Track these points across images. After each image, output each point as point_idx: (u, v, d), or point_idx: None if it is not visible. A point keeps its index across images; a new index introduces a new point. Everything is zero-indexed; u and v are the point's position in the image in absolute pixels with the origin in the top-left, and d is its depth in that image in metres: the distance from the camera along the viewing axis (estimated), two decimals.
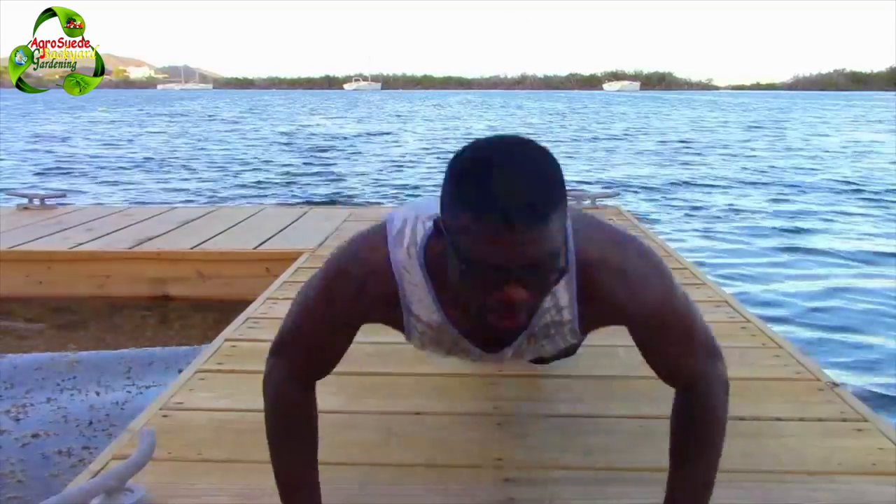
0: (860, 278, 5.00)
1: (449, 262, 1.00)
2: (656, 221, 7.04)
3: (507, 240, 0.92)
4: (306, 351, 1.23)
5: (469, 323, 1.19)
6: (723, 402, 1.20)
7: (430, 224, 1.14)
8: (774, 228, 6.81)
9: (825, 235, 6.52)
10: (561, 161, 1.00)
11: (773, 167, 11.93)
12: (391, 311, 1.21)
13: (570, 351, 1.79)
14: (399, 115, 30.08)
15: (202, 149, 14.88)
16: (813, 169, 11.75)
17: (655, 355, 1.21)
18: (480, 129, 22.57)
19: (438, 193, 1.03)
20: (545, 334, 1.22)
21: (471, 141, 1.02)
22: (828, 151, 14.88)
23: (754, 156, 13.92)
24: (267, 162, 12.62)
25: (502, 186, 0.92)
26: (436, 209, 1.08)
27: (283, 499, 1.25)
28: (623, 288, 1.13)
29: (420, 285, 1.16)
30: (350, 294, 1.17)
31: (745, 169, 11.70)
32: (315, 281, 1.23)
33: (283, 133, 19.22)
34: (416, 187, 9.88)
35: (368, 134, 19.99)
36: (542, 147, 1.00)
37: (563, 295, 1.15)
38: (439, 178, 1.09)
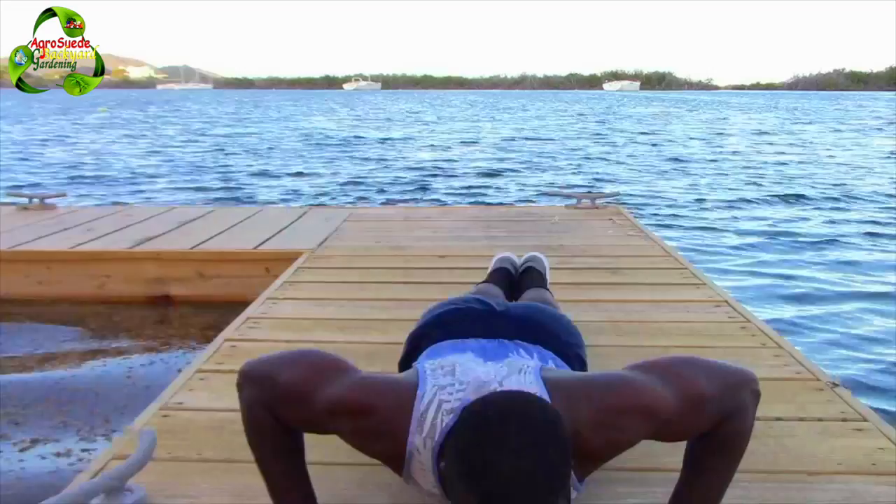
0: (860, 278, 5.01)
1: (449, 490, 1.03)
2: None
3: None
4: (284, 408, 1.22)
5: None
6: (751, 422, 1.21)
7: (448, 420, 1.14)
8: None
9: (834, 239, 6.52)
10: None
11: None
12: (389, 462, 1.23)
13: None
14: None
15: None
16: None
17: (679, 439, 1.23)
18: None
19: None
20: None
21: (485, 400, 1.04)
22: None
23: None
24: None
25: (504, 476, 0.92)
26: (461, 387, 1.13)
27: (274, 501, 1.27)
28: (617, 441, 1.16)
29: (427, 466, 1.18)
30: (358, 429, 1.19)
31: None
32: (336, 384, 1.20)
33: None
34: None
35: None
36: (553, 416, 1.01)
37: None
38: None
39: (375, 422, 1.18)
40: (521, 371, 1.20)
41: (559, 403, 1.13)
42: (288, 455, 1.28)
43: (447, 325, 1.52)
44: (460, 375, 1.20)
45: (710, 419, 1.17)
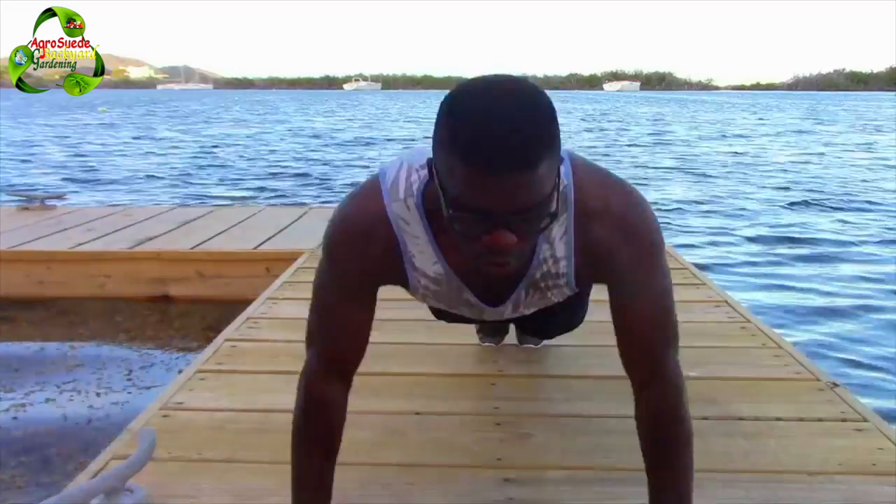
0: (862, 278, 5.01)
1: (442, 209, 0.99)
2: None
3: (492, 185, 0.90)
4: (328, 331, 1.22)
5: (470, 271, 1.18)
6: (683, 401, 1.18)
7: (424, 172, 1.12)
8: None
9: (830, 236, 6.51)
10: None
11: None
12: (395, 267, 1.20)
13: (572, 322, 1.78)
14: None
15: None
16: None
17: (629, 321, 1.18)
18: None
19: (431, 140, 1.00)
20: (542, 286, 1.22)
21: (464, 80, 1.00)
22: None
23: None
24: None
25: (490, 130, 0.89)
26: (427, 156, 1.06)
27: (293, 494, 1.24)
28: (621, 242, 1.12)
29: (420, 236, 1.15)
30: (353, 253, 1.16)
31: None
32: (321, 255, 1.22)
33: None
34: None
35: None
36: (536, 87, 0.96)
37: (559, 246, 1.15)
38: None
39: (355, 225, 1.16)
40: None
41: (575, 166, 1.12)
42: (328, 448, 1.24)
43: None
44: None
45: (658, 326, 1.16)
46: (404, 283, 1.24)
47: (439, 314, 1.75)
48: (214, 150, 15.17)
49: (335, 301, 1.21)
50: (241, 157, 13.78)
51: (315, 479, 1.24)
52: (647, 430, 1.19)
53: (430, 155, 1.02)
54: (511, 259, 0.99)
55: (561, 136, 0.96)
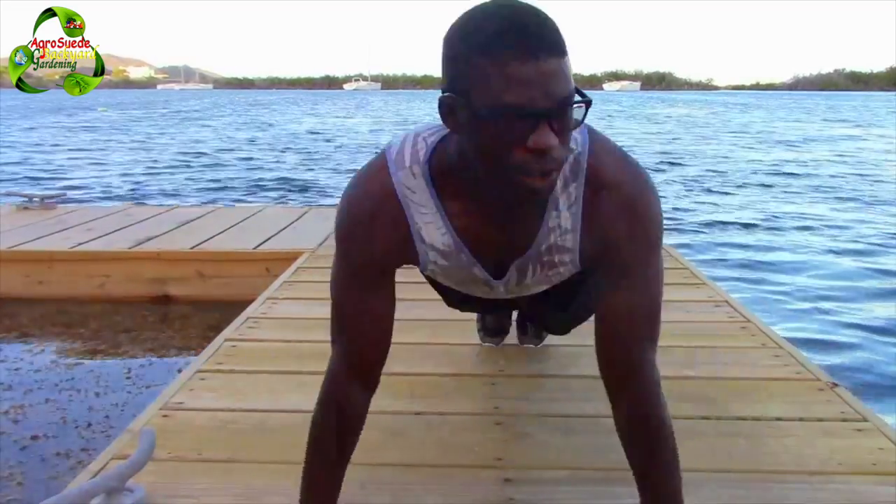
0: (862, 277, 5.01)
1: (467, 140, 0.97)
2: None
3: (530, 73, 0.88)
4: (345, 325, 1.21)
5: (479, 241, 1.16)
6: (663, 401, 1.16)
7: (431, 139, 1.12)
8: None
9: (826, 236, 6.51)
10: None
11: None
12: (405, 244, 1.18)
13: (579, 313, 1.66)
14: None
15: None
16: None
17: (618, 312, 1.14)
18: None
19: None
20: (549, 261, 1.20)
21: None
22: None
23: None
24: None
25: (519, 20, 0.90)
26: (434, 129, 1.05)
27: (302, 492, 1.23)
28: (626, 222, 1.11)
29: (426, 205, 1.14)
30: (362, 238, 1.15)
31: None
32: (335, 246, 1.21)
33: None
34: None
35: None
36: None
37: (566, 216, 1.13)
38: None
39: (364, 204, 1.14)
40: None
41: (592, 149, 1.10)
42: (343, 450, 1.24)
43: None
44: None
45: (643, 317, 1.14)
46: (415, 259, 1.22)
47: (450, 300, 1.73)
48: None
49: (349, 291, 1.19)
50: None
51: (322, 481, 1.23)
52: (633, 435, 1.18)
53: (437, 130, 1.02)
54: (554, 165, 0.96)
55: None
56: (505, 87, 0.89)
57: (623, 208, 1.11)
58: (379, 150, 1.21)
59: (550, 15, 0.94)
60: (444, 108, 0.98)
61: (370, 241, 1.15)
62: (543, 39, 0.90)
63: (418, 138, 1.14)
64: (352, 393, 1.22)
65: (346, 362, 1.21)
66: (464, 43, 0.93)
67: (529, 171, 0.95)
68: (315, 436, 1.22)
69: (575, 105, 0.94)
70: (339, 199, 1.21)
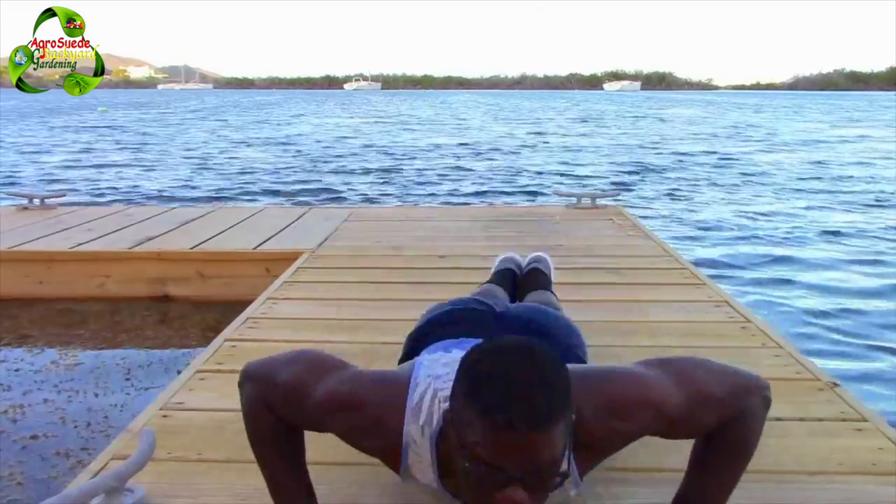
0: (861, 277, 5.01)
1: (456, 453, 1.02)
2: None
3: (509, 443, 0.93)
4: (282, 402, 1.23)
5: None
6: (760, 427, 1.20)
7: (445, 406, 1.14)
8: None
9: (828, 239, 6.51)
10: None
11: None
12: (386, 459, 1.23)
13: None
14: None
15: None
16: None
17: (683, 437, 1.22)
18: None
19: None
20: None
21: (485, 341, 1.05)
22: None
23: None
24: None
25: (509, 391, 0.94)
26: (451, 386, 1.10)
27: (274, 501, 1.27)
28: (621, 433, 1.16)
29: (425, 461, 1.18)
30: (352, 425, 1.19)
31: None
32: (329, 381, 1.21)
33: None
34: None
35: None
36: (551, 353, 1.01)
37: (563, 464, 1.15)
38: None
39: (368, 416, 1.18)
40: None
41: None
42: (289, 455, 1.28)
43: (447, 326, 1.52)
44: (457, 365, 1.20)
45: (716, 421, 1.17)
46: (391, 466, 1.25)
47: None
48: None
49: (306, 405, 1.20)
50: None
51: (288, 480, 1.28)
52: (714, 444, 1.21)
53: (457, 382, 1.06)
54: None
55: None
56: (490, 446, 0.95)
57: (614, 437, 1.16)
58: (404, 373, 1.24)
59: (555, 376, 0.98)
60: (446, 416, 1.07)
61: (357, 436, 1.20)
62: (535, 415, 0.93)
63: (437, 399, 1.17)
64: (272, 415, 1.25)
65: (267, 406, 1.24)
66: (468, 387, 0.98)
67: None
68: (260, 451, 1.28)
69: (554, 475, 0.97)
70: (348, 390, 1.21)
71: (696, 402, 1.15)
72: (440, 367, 1.22)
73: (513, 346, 1.02)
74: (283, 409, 1.22)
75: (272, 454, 1.27)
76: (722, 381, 1.18)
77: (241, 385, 1.27)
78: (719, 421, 1.17)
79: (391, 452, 1.20)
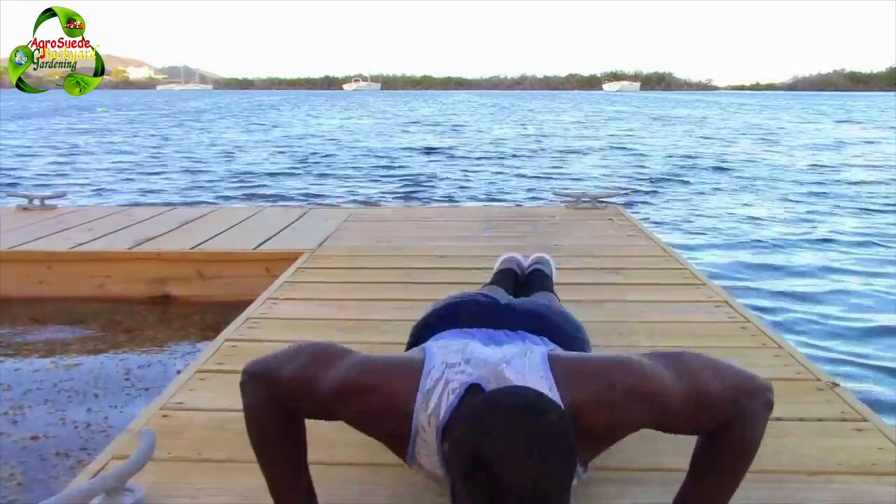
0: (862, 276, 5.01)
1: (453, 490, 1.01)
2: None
3: None
4: (290, 395, 1.22)
5: None
6: (761, 430, 1.20)
7: (452, 399, 1.15)
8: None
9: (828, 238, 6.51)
10: None
11: None
12: (394, 444, 1.23)
13: None
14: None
15: None
16: None
17: (682, 432, 1.21)
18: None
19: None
20: None
21: (490, 398, 1.01)
22: None
23: None
24: None
25: (509, 486, 0.91)
26: (468, 366, 1.14)
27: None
28: (621, 421, 1.15)
29: (431, 445, 1.18)
30: (363, 410, 1.19)
31: None
32: (339, 368, 1.20)
33: None
34: None
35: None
36: (557, 414, 0.99)
37: None
38: None
39: (380, 399, 1.17)
40: (526, 353, 1.21)
41: (563, 379, 1.14)
42: (292, 454, 1.28)
43: (452, 317, 1.52)
44: (468, 355, 1.20)
45: (715, 419, 1.16)
46: (398, 453, 1.25)
47: None
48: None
49: (316, 394, 1.20)
50: None
51: (290, 480, 1.28)
52: (712, 447, 1.21)
53: (464, 379, 1.09)
54: None
55: None
56: None
57: (600, 392, 1.14)
58: (420, 354, 1.24)
59: (559, 457, 0.95)
60: (446, 455, 1.08)
61: (367, 419, 1.20)
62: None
63: (447, 388, 1.16)
64: (277, 412, 1.25)
65: (273, 402, 1.23)
66: (465, 473, 0.95)
67: None
68: (261, 452, 1.28)
69: None
70: (360, 372, 1.20)
71: (695, 399, 1.15)
72: (453, 353, 1.22)
73: (514, 409, 0.97)
74: (292, 401, 1.22)
75: (275, 454, 1.26)
76: (723, 379, 1.17)
77: (243, 385, 1.27)
78: (718, 419, 1.17)
79: (400, 438, 1.19)
